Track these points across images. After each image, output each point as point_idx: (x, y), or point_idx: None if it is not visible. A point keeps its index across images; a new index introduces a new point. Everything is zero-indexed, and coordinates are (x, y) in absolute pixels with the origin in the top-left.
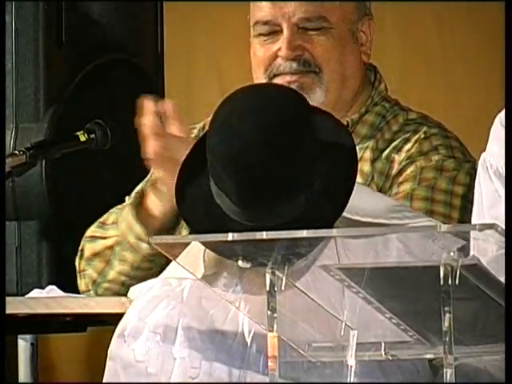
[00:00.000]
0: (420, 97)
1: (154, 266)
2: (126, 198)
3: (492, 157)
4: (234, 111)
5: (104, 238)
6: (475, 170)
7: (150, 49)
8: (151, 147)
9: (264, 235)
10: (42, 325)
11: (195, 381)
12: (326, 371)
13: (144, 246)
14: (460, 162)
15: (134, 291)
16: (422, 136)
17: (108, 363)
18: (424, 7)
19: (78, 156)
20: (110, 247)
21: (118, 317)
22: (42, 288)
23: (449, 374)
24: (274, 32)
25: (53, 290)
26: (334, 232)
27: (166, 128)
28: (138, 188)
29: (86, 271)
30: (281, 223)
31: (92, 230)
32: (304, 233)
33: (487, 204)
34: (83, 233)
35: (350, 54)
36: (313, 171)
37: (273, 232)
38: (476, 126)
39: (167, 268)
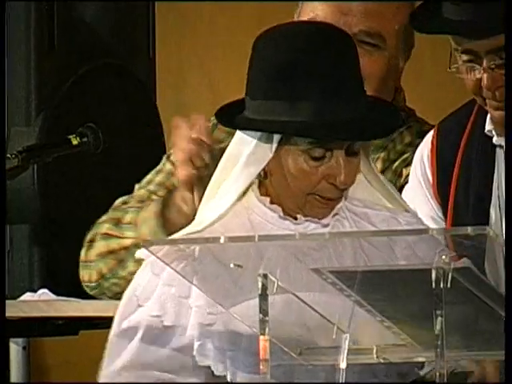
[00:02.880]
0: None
1: None
2: (136, 186)
3: (408, 188)
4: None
5: (121, 237)
6: None
7: (141, 54)
8: (184, 173)
9: (256, 238)
10: (34, 328)
11: (213, 328)
12: (318, 374)
13: None
14: None
15: (142, 252)
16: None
17: (118, 329)
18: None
19: (69, 160)
20: (127, 248)
21: (110, 320)
22: (34, 291)
23: (441, 376)
24: None
25: (45, 294)
26: (326, 234)
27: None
28: (148, 177)
29: (96, 264)
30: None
31: (106, 228)
32: (297, 235)
33: None
34: (75, 236)
35: (390, 78)
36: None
37: (265, 235)
38: None
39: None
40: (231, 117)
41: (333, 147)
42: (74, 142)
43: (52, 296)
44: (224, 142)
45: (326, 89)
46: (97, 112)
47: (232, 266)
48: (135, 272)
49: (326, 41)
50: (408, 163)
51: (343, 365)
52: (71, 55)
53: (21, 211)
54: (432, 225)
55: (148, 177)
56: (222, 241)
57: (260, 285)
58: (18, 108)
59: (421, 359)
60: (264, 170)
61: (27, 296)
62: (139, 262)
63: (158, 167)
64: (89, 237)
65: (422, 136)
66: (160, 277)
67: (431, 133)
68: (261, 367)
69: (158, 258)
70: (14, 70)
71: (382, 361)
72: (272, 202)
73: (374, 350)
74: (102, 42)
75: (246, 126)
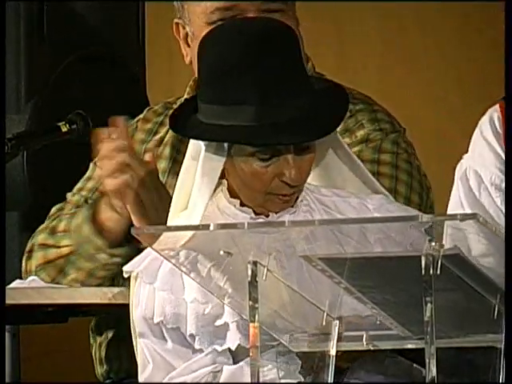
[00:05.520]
0: (400, 94)
1: (108, 274)
2: (68, 194)
3: (465, 159)
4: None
5: (57, 246)
6: (405, 140)
7: (131, 41)
8: (112, 183)
9: (246, 225)
10: (24, 315)
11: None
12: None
13: (102, 256)
14: (386, 133)
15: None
16: (348, 114)
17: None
18: (407, 5)
19: (59, 146)
20: (64, 256)
21: (99, 307)
22: (24, 279)
23: (430, 364)
24: (233, 17)
25: (34, 281)
26: (315, 222)
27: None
28: (78, 185)
29: (37, 275)
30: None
31: (42, 238)
32: (285, 222)
33: (450, 208)
34: None
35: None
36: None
37: (254, 222)
38: (457, 122)
39: None
40: (184, 120)
41: (280, 148)
42: (64, 129)
43: (42, 283)
44: (147, 143)
45: (263, 91)
46: (86, 99)
47: (222, 253)
48: (77, 279)
49: (264, 41)
50: None
51: (333, 352)
52: (61, 43)
53: (10, 198)
54: (499, 175)
55: (78, 185)
56: (211, 228)
57: (249, 272)
58: (8, 95)
59: (410, 346)
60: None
61: (17, 283)
62: (80, 269)
63: (87, 174)
64: (27, 247)
65: None
66: (154, 284)
67: (497, 104)
68: (250, 354)
69: (151, 248)
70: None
71: (371, 348)
72: (242, 204)
73: (364, 337)
74: (92, 29)
75: (195, 135)
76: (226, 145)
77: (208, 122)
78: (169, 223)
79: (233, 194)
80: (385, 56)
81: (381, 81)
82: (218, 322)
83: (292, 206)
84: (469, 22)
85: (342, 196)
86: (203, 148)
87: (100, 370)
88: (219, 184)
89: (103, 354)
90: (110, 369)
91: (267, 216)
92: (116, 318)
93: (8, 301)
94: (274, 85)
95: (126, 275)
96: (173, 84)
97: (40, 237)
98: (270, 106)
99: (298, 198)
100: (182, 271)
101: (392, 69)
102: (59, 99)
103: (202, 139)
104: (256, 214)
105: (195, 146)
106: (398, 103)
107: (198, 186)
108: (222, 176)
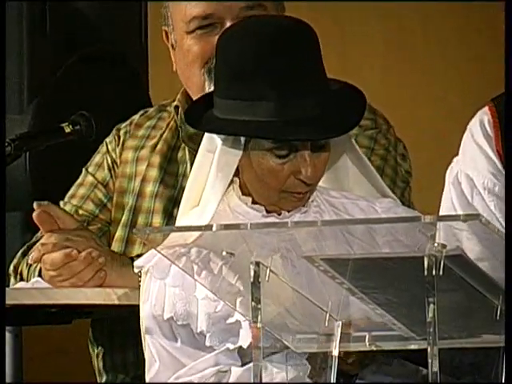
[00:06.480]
0: (400, 94)
1: None
2: (61, 203)
3: (456, 163)
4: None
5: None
6: (387, 137)
7: (134, 41)
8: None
9: (248, 226)
10: (27, 316)
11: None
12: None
13: None
14: (365, 129)
15: (140, 260)
16: None
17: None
18: (408, 5)
19: (62, 147)
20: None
21: (103, 308)
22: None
23: (433, 364)
24: (211, 25)
25: (38, 282)
26: (319, 222)
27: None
28: (70, 192)
29: None
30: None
31: (13, 284)
32: (289, 223)
33: (442, 212)
34: None
35: None
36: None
37: (256, 223)
38: (456, 122)
39: None
40: (199, 114)
41: (297, 145)
42: (67, 130)
43: (45, 284)
44: (140, 149)
45: (281, 88)
46: (89, 99)
47: (224, 253)
48: None
49: (284, 39)
50: None
51: (335, 352)
52: (64, 43)
53: (13, 199)
54: (492, 179)
55: (70, 192)
56: (214, 229)
57: (252, 273)
58: (11, 95)
59: (413, 347)
60: (237, 168)
61: (20, 284)
62: None
63: (79, 180)
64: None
65: None
66: (166, 280)
67: (486, 107)
68: (253, 355)
69: (154, 248)
70: (6, 58)
71: (374, 348)
72: (254, 202)
73: (367, 338)
74: (95, 28)
75: (212, 129)
76: (242, 140)
77: (225, 117)
78: (178, 221)
79: (244, 191)
80: (385, 56)
81: (381, 81)
82: (230, 320)
83: (304, 206)
84: (469, 22)
85: (350, 198)
86: (219, 142)
87: (100, 379)
88: (231, 182)
89: (101, 364)
90: (109, 378)
91: (279, 214)
92: (112, 327)
93: (11, 301)
94: (292, 82)
95: (136, 270)
96: (175, 84)
97: (11, 282)
98: (288, 103)
99: (309, 198)
100: (186, 272)
101: (392, 69)
102: (62, 99)
103: (220, 133)
104: (268, 212)
105: (211, 140)
106: (398, 103)
107: (212, 184)
108: (235, 174)
